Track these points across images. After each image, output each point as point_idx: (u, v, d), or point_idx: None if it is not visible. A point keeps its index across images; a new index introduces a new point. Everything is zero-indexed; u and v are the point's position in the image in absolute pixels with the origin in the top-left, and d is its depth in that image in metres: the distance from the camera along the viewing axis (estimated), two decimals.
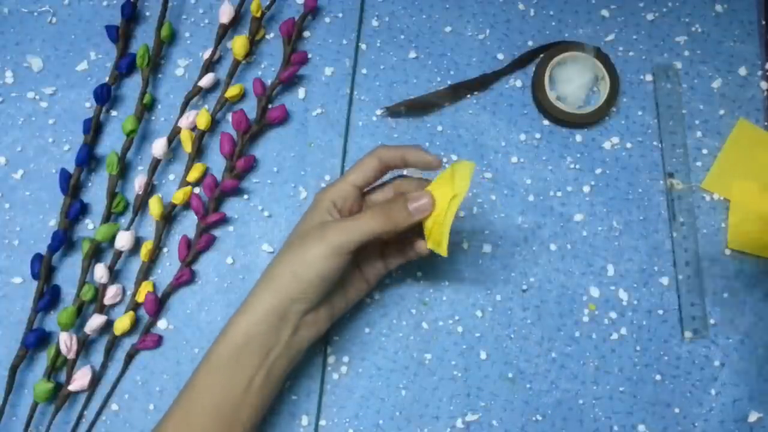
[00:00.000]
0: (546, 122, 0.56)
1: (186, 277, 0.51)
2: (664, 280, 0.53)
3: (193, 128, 0.54)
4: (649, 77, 0.57)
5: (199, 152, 0.54)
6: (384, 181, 0.47)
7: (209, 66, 0.55)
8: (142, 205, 0.53)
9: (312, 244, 0.42)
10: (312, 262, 0.41)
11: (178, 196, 0.52)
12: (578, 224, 0.54)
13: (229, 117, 0.55)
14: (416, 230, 0.44)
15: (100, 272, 0.50)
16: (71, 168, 0.52)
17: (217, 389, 0.42)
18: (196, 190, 0.53)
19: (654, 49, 0.58)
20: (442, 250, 0.42)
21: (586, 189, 0.55)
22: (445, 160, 0.55)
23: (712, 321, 0.53)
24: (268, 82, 0.55)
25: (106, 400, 0.50)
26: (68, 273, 0.52)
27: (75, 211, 0.52)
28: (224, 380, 0.42)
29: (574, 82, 0.55)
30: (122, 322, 0.50)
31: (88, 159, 0.53)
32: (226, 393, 0.42)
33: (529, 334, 0.52)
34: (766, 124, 0.57)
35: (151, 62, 0.54)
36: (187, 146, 0.53)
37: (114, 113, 0.55)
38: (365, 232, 0.41)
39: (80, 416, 0.50)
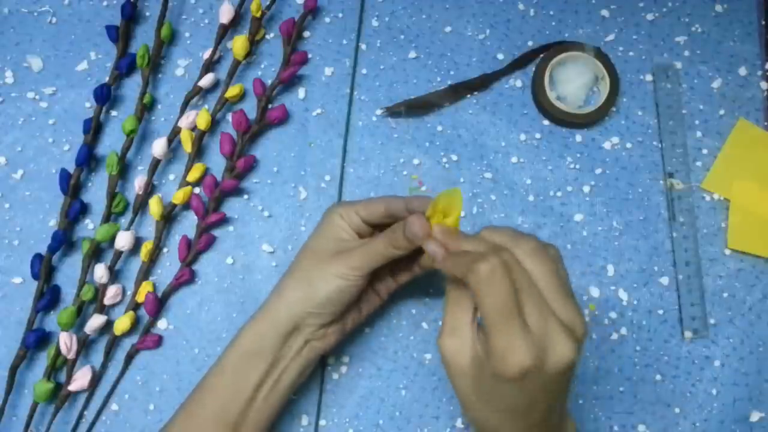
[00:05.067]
0: (546, 122, 0.56)
1: (186, 277, 0.51)
2: (664, 280, 0.53)
3: (193, 128, 0.54)
4: (649, 77, 0.57)
5: (199, 152, 0.54)
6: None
7: (209, 66, 0.55)
8: (142, 205, 0.53)
9: (329, 263, 0.42)
10: (329, 280, 0.42)
11: (178, 196, 0.52)
12: (578, 224, 0.54)
13: (229, 117, 0.55)
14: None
15: (100, 272, 0.50)
16: (71, 168, 0.52)
17: (223, 393, 0.43)
18: (196, 190, 0.53)
19: (654, 49, 0.58)
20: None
21: (586, 189, 0.55)
22: (444, 160, 0.55)
23: (712, 321, 0.53)
24: (268, 82, 0.55)
25: (106, 400, 0.50)
26: (68, 273, 0.52)
27: (75, 211, 0.52)
28: (230, 384, 0.43)
29: (574, 82, 0.55)
30: (122, 322, 0.50)
31: (88, 159, 0.53)
32: (231, 397, 0.42)
33: None
34: (766, 124, 0.57)
35: (151, 62, 0.54)
36: (187, 146, 0.53)
37: (114, 113, 0.55)
38: (378, 255, 0.42)
39: (80, 416, 0.50)
